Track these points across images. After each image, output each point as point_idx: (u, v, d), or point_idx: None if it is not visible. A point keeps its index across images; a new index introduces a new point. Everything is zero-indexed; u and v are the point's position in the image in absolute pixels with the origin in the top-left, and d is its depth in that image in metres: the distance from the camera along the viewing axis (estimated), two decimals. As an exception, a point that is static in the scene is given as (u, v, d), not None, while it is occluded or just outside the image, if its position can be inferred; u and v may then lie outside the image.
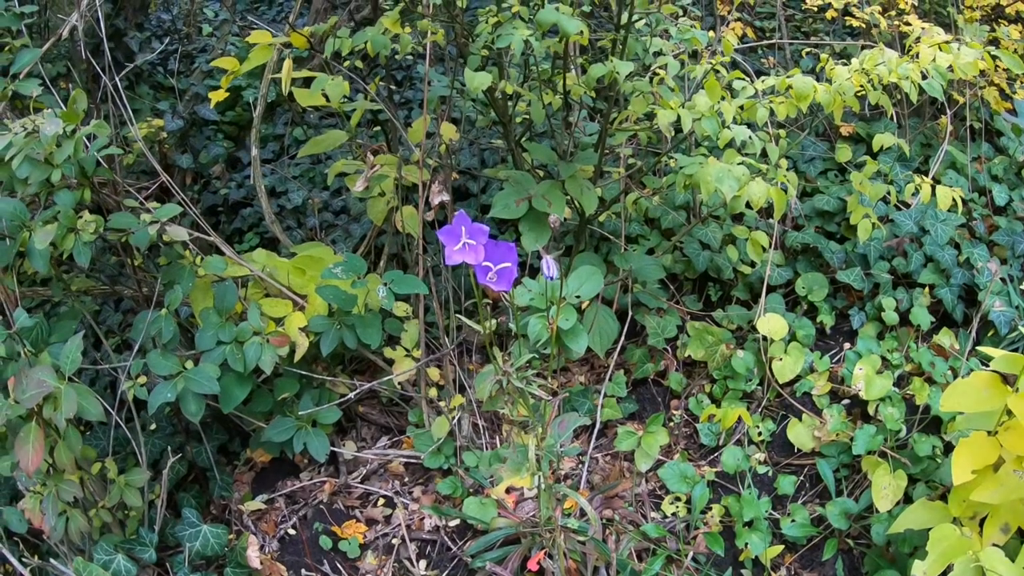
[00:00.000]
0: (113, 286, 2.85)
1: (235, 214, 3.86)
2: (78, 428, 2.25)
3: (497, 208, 2.63)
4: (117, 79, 2.71)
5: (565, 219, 2.87)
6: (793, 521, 2.50)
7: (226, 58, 2.79)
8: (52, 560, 2.25)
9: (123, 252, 2.64)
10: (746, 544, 2.44)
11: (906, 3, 3.29)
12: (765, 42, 3.95)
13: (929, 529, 1.98)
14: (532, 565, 2.27)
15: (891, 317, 2.90)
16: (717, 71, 2.49)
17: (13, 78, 2.52)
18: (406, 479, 2.82)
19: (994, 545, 1.93)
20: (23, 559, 2.29)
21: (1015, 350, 2.63)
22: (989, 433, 1.94)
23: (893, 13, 3.41)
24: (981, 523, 1.98)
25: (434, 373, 2.88)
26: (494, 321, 2.91)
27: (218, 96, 2.86)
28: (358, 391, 2.76)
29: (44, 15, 3.86)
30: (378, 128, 3.73)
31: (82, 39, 2.80)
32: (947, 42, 2.44)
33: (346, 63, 2.82)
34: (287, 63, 2.62)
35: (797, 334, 2.89)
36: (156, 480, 2.50)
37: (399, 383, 2.82)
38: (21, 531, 2.32)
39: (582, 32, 2.27)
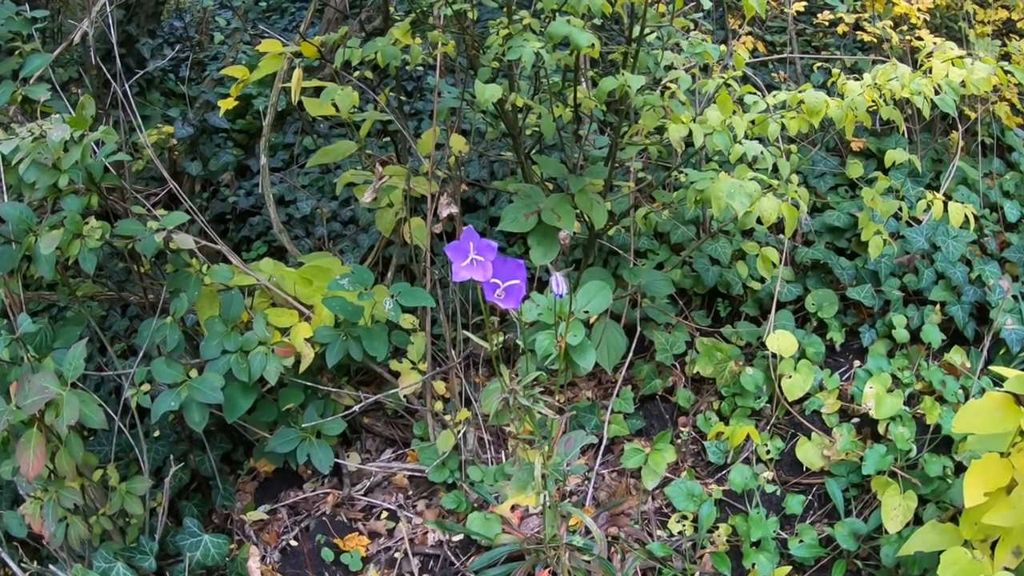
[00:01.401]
0: (119, 292, 2.85)
1: (243, 222, 3.85)
2: (80, 434, 2.24)
3: (506, 221, 2.62)
4: (127, 85, 2.71)
5: (575, 233, 2.86)
6: (801, 541, 2.48)
7: (236, 67, 2.80)
8: (51, 566, 2.25)
9: (130, 258, 2.64)
10: (753, 564, 2.41)
11: (918, 18, 3.28)
12: (776, 56, 3.93)
13: (940, 552, 1.97)
14: (536, 582, 2.25)
15: (902, 335, 2.87)
16: (729, 85, 2.47)
17: (23, 82, 2.52)
18: (410, 492, 2.80)
19: (1005, 569, 1.91)
20: (22, 564, 2.28)
21: (1027, 370, 2.60)
22: (1002, 455, 1.91)
23: (905, 28, 3.39)
24: (992, 546, 1.96)
25: (440, 386, 2.87)
26: (502, 336, 2.89)
27: (228, 104, 2.87)
28: (363, 403, 2.75)
29: (56, 20, 3.87)
30: (388, 139, 3.72)
31: (93, 44, 2.80)
32: (960, 57, 2.42)
33: (356, 73, 2.82)
34: (297, 72, 2.62)
35: (807, 351, 2.87)
36: (158, 488, 2.49)
37: (405, 396, 2.80)
38: (21, 536, 2.32)
39: (593, 45, 2.26)
